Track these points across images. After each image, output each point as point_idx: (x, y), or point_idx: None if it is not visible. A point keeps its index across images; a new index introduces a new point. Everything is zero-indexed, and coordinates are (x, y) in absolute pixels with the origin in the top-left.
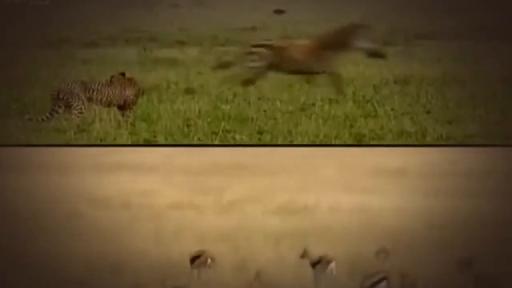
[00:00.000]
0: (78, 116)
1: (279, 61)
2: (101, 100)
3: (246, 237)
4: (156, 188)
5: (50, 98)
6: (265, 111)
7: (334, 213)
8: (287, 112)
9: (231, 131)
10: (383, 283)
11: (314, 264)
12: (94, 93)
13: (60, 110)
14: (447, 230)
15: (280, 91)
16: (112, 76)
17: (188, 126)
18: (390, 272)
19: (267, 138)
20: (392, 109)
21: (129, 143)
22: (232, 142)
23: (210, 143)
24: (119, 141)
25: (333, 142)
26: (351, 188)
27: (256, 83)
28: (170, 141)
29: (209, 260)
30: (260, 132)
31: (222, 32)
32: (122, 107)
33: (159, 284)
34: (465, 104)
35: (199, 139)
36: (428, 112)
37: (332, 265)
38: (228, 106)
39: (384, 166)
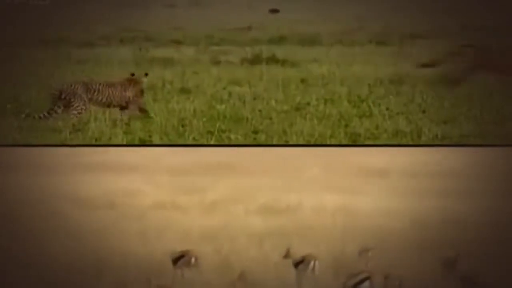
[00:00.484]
0: (76, 116)
1: (485, 62)
2: (101, 100)
3: (230, 237)
4: (140, 187)
5: (50, 97)
6: (260, 110)
7: (318, 213)
8: (282, 111)
9: (226, 130)
10: (366, 283)
11: (297, 264)
12: (95, 93)
13: (59, 110)
14: (430, 230)
15: (275, 90)
16: (132, 75)
17: (183, 125)
18: (373, 272)
19: (262, 138)
20: (387, 109)
21: (124, 142)
22: (227, 142)
23: (205, 142)
24: (114, 141)
25: (328, 142)
26: (334, 188)
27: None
28: (165, 141)
29: (192, 260)
30: (255, 132)
31: (217, 32)
32: (124, 108)
33: (143, 283)
34: (460, 104)
35: (194, 138)
36: (424, 112)
37: (312, 264)
38: (223, 106)
39: (368, 166)
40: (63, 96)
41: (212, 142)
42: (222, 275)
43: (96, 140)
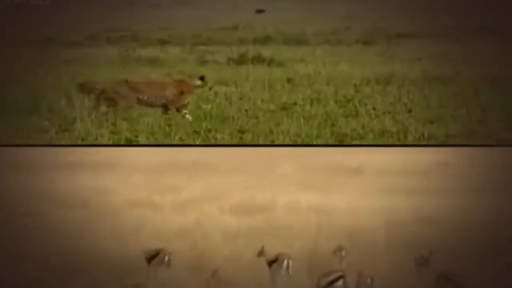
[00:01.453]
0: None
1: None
2: (142, 99)
3: (204, 235)
4: (116, 186)
5: (93, 98)
6: (246, 110)
7: (291, 211)
8: (269, 111)
9: (213, 130)
10: (340, 282)
11: (271, 263)
12: (136, 92)
13: (102, 109)
14: (404, 229)
15: (261, 90)
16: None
17: (169, 125)
18: (347, 270)
19: (248, 138)
20: (373, 109)
21: (111, 142)
22: (213, 142)
23: (191, 142)
24: (100, 141)
25: (314, 142)
26: (308, 186)
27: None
28: (151, 141)
29: (166, 258)
30: (242, 132)
31: (204, 32)
32: (166, 107)
33: (118, 282)
34: (446, 104)
35: (180, 138)
36: (410, 112)
37: (286, 263)
38: (210, 106)
39: (342, 164)
40: (105, 96)
41: (198, 142)
42: (195, 274)
43: (82, 140)
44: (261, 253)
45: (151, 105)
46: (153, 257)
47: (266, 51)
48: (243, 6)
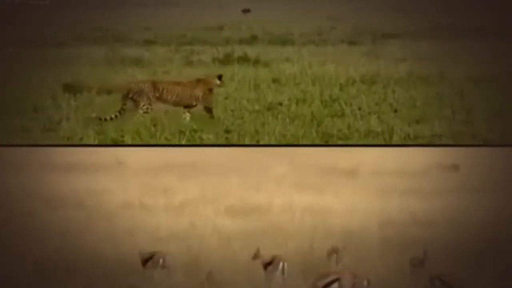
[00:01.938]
0: (143, 116)
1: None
2: (170, 99)
3: (199, 238)
4: (110, 187)
5: (120, 97)
6: (232, 110)
7: (286, 213)
8: (254, 111)
9: (198, 130)
10: (336, 285)
11: (266, 265)
12: (164, 92)
13: (126, 107)
14: (399, 230)
15: (246, 90)
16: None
17: (155, 125)
18: (343, 272)
19: (234, 138)
20: (359, 109)
21: (96, 142)
22: (199, 142)
23: (177, 142)
24: (86, 141)
25: (300, 142)
26: (303, 187)
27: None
28: (137, 141)
29: (161, 261)
30: (228, 131)
31: (189, 31)
32: (191, 106)
33: (112, 283)
34: (432, 104)
35: (166, 138)
36: (395, 111)
37: (281, 265)
38: None
39: (338, 165)
40: (130, 95)
41: (183, 142)
42: (190, 276)
43: (68, 139)
44: (256, 255)
45: (176, 104)
46: (148, 259)
47: (252, 51)
48: (228, 6)
